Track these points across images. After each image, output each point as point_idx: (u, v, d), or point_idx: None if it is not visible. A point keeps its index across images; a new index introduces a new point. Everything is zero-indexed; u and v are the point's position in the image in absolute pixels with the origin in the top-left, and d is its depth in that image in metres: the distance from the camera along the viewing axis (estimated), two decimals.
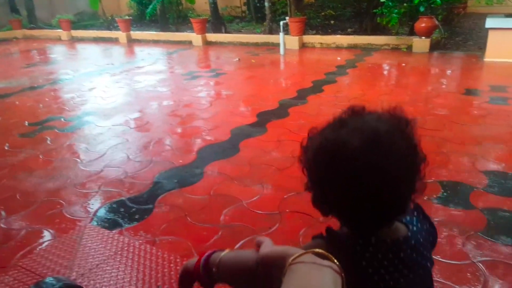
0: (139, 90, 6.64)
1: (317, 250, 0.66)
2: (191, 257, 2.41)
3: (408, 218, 0.92)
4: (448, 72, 7.23)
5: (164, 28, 13.20)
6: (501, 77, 6.39)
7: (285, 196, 3.01)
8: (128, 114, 5.29)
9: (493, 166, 3.38)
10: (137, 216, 2.87)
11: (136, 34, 13.08)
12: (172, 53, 10.46)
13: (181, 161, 3.73)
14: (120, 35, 13.00)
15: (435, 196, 2.94)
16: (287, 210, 2.84)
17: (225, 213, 2.84)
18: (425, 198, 2.90)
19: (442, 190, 3.01)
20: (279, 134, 4.28)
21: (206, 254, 0.90)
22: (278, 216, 2.77)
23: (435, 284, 2.06)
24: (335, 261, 0.65)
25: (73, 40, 14.10)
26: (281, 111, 5.10)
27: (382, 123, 0.76)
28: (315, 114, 4.88)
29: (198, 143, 4.18)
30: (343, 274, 0.64)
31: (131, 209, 2.96)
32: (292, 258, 0.66)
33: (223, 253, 0.88)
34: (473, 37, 10.02)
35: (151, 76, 7.66)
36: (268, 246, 0.76)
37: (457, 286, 2.10)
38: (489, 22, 7.38)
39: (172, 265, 2.37)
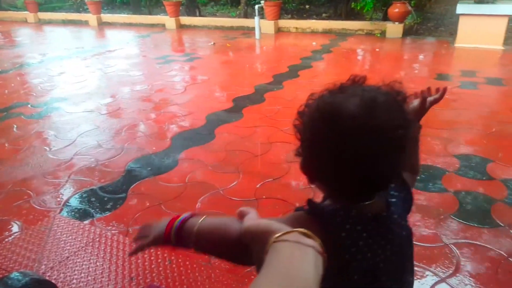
0: (110, 75, 6.44)
1: (301, 230, 0.65)
2: (166, 247, 2.35)
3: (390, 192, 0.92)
4: (421, 57, 7.32)
5: (136, 10, 12.83)
6: (471, 62, 6.52)
7: (261, 183, 2.98)
8: (99, 100, 5.12)
9: (464, 150, 3.45)
10: (109, 206, 2.79)
11: (107, 17, 12.66)
12: (145, 36, 10.19)
13: (154, 148, 3.64)
14: (90, 17, 12.55)
15: None
16: (264, 197, 2.81)
17: (201, 200, 2.79)
18: None
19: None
20: (255, 120, 4.23)
21: (181, 218, 0.86)
22: (254, 202, 2.75)
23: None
24: (318, 240, 0.65)
25: (40, 23, 13.53)
26: (257, 96, 5.04)
27: (381, 93, 0.77)
28: (291, 99, 4.85)
29: (172, 129, 4.09)
30: (325, 254, 0.64)
31: (103, 199, 2.88)
32: (276, 235, 0.65)
33: (200, 220, 0.84)
34: (445, 23, 10.17)
35: (123, 60, 7.44)
36: (253, 219, 0.75)
37: (431, 268, 2.13)
38: (460, 8, 7.48)
39: (146, 255, 2.31)
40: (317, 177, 0.82)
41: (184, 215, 0.87)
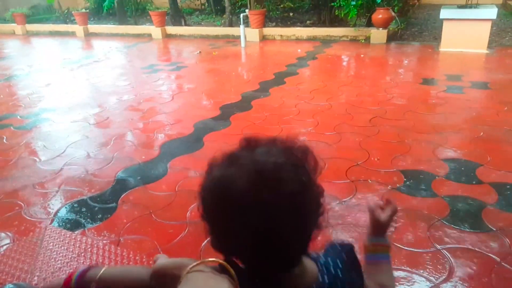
0: (98, 85, 6.42)
1: (217, 260, 0.66)
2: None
3: (330, 260, 0.86)
4: (405, 62, 7.43)
5: (122, 21, 12.81)
6: (456, 67, 6.64)
7: None
8: (87, 110, 5.10)
9: (453, 154, 3.49)
10: (99, 216, 2.78)
11: (94, 27, 12.63)
12: (131, 46, 10.18)
13: (143, 157, 3.64)
14: (77, 28, 12.51)
15: (398, 185, 3.01)
16: None
17: (192, 209, 2.79)
18: (388, 188, 2.97)
19: (405, 179, 3.08)
20: (243, 127, 4.26)
21: (79, 271, 0.86)
22: None
23: (401, 272, 2.12)
24: (233, 273, 0.64)
25: (28, 35, 13.43)
26: (244, 103, 5.08)
27: (271, 157, 0.71)
28: (278, 106, 4.89)
29: (160, 138, 4.10)
30: (238, 284, 0.63)
31: (94, 209, 2.86)
32: (190, 267, 0.65)
33: (102, 270, 0.85)
34: (429, 28, 10.36)
35: (110, 70, 7.43)
36: (164, 258, 0.76)
37: (423, 274, 2.14)
38: (444, 13, 7.62)
39: (138, 264, 2.31)
40: (227, 253, 0.76)
41: (82, 268, 0.87)
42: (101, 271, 0.84)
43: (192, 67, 7.57)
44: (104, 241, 2.51)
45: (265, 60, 8.31)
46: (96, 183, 3.21)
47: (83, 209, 2.87)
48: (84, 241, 2.51)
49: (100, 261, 2.34)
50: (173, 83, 6.46)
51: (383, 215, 1.00)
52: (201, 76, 6.99)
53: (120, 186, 3.15)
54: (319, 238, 0.77)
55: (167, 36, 11.35)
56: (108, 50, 9.74)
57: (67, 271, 2.25)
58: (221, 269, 0.71)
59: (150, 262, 2.31)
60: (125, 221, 2.71)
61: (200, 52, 8.87)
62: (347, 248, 0.91)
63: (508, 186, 2.93)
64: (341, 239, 1.01)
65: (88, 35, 12.43)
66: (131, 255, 2.38)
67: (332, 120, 4.33)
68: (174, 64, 7.81)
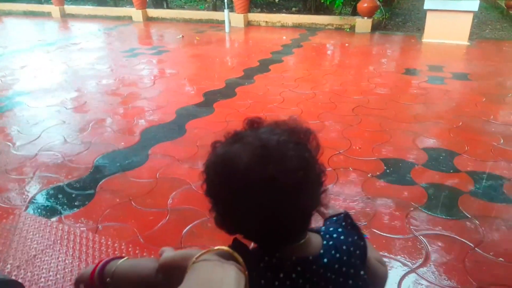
0: (75, 68, 6.24)
1: (222, 247, 0.66)
2: (137, 244, 2.31)
3: (330, 228, 0.88)
4: (389, 52, 7.46)
5: (102, 2, 12.46)
6: (438, 57, 6.70)
7: None
8: (64, 94, 4.95)
9: (432, 143, 3.54)
10: (77, 203, 2.71)
11: (71, 8, 12.24)
12: (111, 29, 9.92)
13: (123, 143, 3.56)
14: (53, 9, 12.09)
15: (378, 173, 3.03)
16: None
17: (173, 196, 2.75)
18: (368, 176, 2.98)
19: (385, 167, 3.11)
20: (226, 115, 4.20)
21: (102, 262, 0.87)
22: None
23: None
24: (240, 259, 0.65)
25: (0, 14, 12.92)
26: (228, 90, 5.01)
27: (275, 135, 0.73)
28: (263, 94, 4.85)
29: (141, 124, 4.01)
30: (247, 273, 0.64)
31: (71, 195, 2.79)
32: (196, 256, 0.65)
33: (120, 261, 0.85)
34: (412, 18, 10.41)
35: (89, 53, 7.22)
36: (170, 251, 0.76)
37: (401, 259, 2.18)
38: (427, 4, 7.67)
39: (117, 252, 2.26)
40: (231, 230, 0.78)
41: (106, 259, 0.88)
42: (118, 262, 0.84)
43: (175, 51, 7.43)
44: (82, 228, 2.45)
45: (250, 47, 8.22)
46: (74, 169, 3.12)
47: (60, 196, 2.79)
48: (60, 228, 2.45)
49: (77, 248, 2.29)
50: (154, 68, 6.32)
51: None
52: (183, 61, 6.86)
53: (98, 173, 3.07)
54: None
55: (148, 19, 11.10)
56: (86, 32, 9.46)
57: (43, 259, 2.19)
58: (228, 256, 0.71)
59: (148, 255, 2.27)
60: (103, 208, 2.65)
61: (182, 36, 8.71)
62: (343, 215, 0.93)
63: (484, 175, 3.00)
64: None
65: (65, 16, 12.05)
66: (109, 243, 2.33)
67: (316, 109, 4.31)
68: (155, 48, 7.65)
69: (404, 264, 2.15)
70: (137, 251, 2.26)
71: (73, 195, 2.79)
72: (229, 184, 0.71)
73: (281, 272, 0.76)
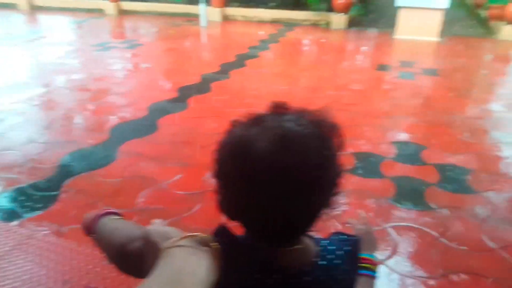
0: (43, 63, 6.02)
1: (198, 234, 0.64)
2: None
3: (332, 246, 0.83)
4: (363, 48, 7.51)
5: None
6: (410, 54, 6.78)
7: (207, 175, 2.89)
8: (31, 90, 4.75)
9: (401, 137, 3.61)
10: (40, 205, 2.58)
11: (39, 0, 11.81)
12: (82, 22, 9.60)
13: (91, 141, 3.42)
14: (20, 1, 11.62)
15: (349, 167, 3.04)
16: (210, 189, 2.71)
17: (142, 195, 2.65)
18: None
19: (356, 161, 3.13)
20: (201, 110, 4.11)
21: (103, 212, 0.85)
22: (200, 195, 2.65)
23: None
24: (216, 246, 0.64)
25: None
26: (204, 85, 4.91)
27: (299, 125, 0.68)
28: (239, 89, 4.78)
29: (111, 120, 3.87)
30: (220, 261, 0.64)
31: (33, 197, 2.66)
32: (171, 240, 0.63)
33: (109, 219, 0.83)
34: (386, 15, 10.48)
35: (58, 47, 6.96)
36: (157, 225, 0.75)
37: None
38: (399, 1, 7.75)
39: (82, 256, 2.16)
40: (233, 217, 0.73)
41: (107, 211, 0.86)
42: (104, 221, 0.82)
43: (148, 45, 7.25)
44: (45, 232, 2.33)
45: (227, 41, 8.11)
46: (37, 169, 2.98)
47: (21, 198, 2.65)
48: (20, 232, 2.32)
49: (38, 253, 2.17)
50: (127, 62, 6.15)
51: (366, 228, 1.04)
52: (158, 55, 6.71)
53: (64, 172, 2.94)
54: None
55: (122, 12, 10.81)
56: (55, 25, 9.15)
57: (1, 266, 2.07)
58: (205, 243, 0.67)
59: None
60: (69, 210, 2.54)
61: (157, 30, 8.52)
62: (354, 240, 0.87)
63: (449, 167, 3.08)
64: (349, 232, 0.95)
65: (33, 8, 11.58)
66: (74, 246, 2.22)
67: (292, 104, 4.27)
68: (128, 42, 7.44)
69: None
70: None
71: (36, 197, 2.66)
72: (242, 167, 0.66)
73: (260, 273, 0.73)
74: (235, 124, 0.73)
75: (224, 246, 0.70)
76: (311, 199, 0.68)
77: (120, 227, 0.80)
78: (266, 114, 0.71)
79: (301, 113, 0.72)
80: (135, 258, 0.69)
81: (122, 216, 0.85)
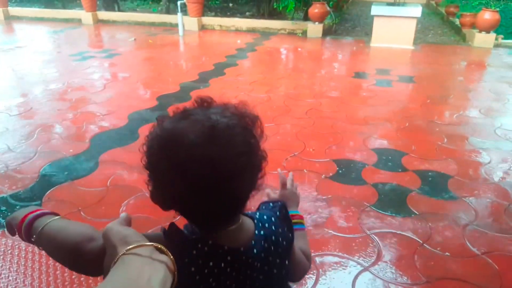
0: (21, 73, 5.93)
1: (155, 244, 0.65)
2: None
3: (264, 216, 0.90)
4: (340, 56, 7.67)
5: (49, 4, 11.95)
6: (385, 61, 6.97)
7: None
8: (8, 100, 4.69)
9: (381, 144, 3.67)
10: None
11: (16, 10, 11.63)
12: (59, 32, 9.51)
13: (71, 150, 3.42)
14: None
15: (331, 174, 3.10)
16: None
17: (125, 204, 2.67)
18: (322, 177, 3.04)
19: (338, 168, 3.19)
20: None
21: (33, 214, 0.83)
22: None
23: (334, 257, 2.19)
24: (171, 257, 0.64)
25: None
26: (183, 94, 4.95)
27: (224, 117, 0.73)
28: (218, 98, 4.79)
29: (91, 129, 3.87)
30: (176, 272, 0.64)
31: (15, 207, 2.64)
32: (127, 247, 0.63)
33: (50, 220, 0.81)
34: (361, 24, 10.77)
35: (35, 57, 6.89)
36: (117, 224, 0.71)
37: (354, 258, 2.24)
38: (374, 10, 7.98)
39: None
40: (166, 206, 0.76)
41: (40, 212, 0.84)
42: (48, 221, 0.80)
43: (126, 55, 7.24)
44: (26, 243, 2.31)
45: (205, 50, 8.16)
46: (18, 180, 2.96)
47: (3, 208, 2.63)
48: (3, 243, 2.31)
49: (22, 263, 2.17)
50: (105, 72, 6.14)
51: (291, 188, 1.17)
52: (136, 64, 6.71)
53: (45, 182, 2.93)
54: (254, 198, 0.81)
55: (99, 22, 10.77)
56: (32, 35, 9.02)
57: None
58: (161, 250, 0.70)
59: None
60: None
61: (134, 39, 8.52)
62: (279, 205, 0.94)
63: (430, 173, 3.15)
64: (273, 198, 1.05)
65: (9, 18, 11.43)
66: None
67: (271, 112, 4.36)
68: (106, 51, 7.42)
69: (358, 263, 2.20)
70: None
71: (18, 207, 2.63)
72: (171, 159, 0.69)
73: (212, 260, 0.77)
74: (163, 117, 0.76)
75: (175, 245, 0.72)
76: (240, 184, 0.73)
77: (67, 227, 0.80)
78: (193, 108, 0.76)
79: (225, 106, 0.77)
80: (92, 257, 0.69)
81: (59, 215, 0.84)
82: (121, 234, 0.67)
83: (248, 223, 0.85)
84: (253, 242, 0.82)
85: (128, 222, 0.74)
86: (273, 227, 0.88)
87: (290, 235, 0.92)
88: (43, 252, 2.15)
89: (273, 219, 0.90)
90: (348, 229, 2.48)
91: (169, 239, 0.76)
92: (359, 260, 2.22)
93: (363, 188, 2.94)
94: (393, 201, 2.78)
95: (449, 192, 2.90)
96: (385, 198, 2.81)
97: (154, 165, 0.74)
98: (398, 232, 2.46)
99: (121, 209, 2.62)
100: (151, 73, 6.18)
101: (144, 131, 3.81)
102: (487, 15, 7.81)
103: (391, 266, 2.19)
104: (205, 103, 0.77)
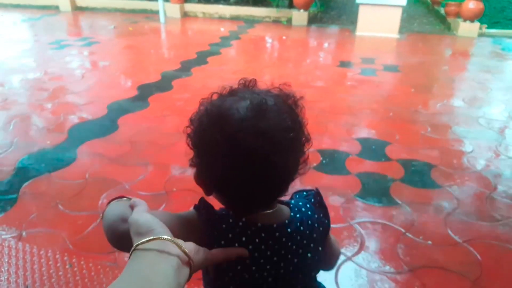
0: None
1: (167, 237, 0.64)
2: (65, 250, 2.17)
3: (300, 202, 0.90)
4: (325, 45, 7.64)
5: None
6: (371, 50, 6.95)
7: (171, 175, 2.87)
8: None
9: (365, 134, 3.66)
10: None
11: None
12: (36, 19, 9.20)
13: (49, 142, 3.31)
14: None
15: (315, 164, 3.08)
16: (174, 189, 2.71)
17: (104, 197, 2.60)
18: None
19: (321, 158, 3.17)
20: (162, 109, 4.07)
21: (115, 198, 0.86)
22: (164, 196, 2.63)
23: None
24: (184, 249, 0.64)
25: None
26: (164, 83, 4.85)
27: (271, 96, 0.75)
28: (201, 87, 4.74)
29: (69, 120, 3.75)
30: (191, 262, 0.64)
31: None
32: (140, 241, 0.63)
33: (113, 202, 0.84)
34: (346, 12, 10.72)
35: (11, 46, 6.66)
36: (138, 212, 0.71)
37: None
38: None
39: (43, 260, 2.10)
40: (211, 187, 0.78)
41: (120, 196, 0.87)
42: (110, 205, 0.83)
43: (106, 43, 7.06)
44: (3, 237, 2.25)
45: (187, 38, 8.03)
46: None
47: None
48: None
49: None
50: (84, 60, 5.97)
51: None
52: (116, 53, 6.54)
53: (21, 175, 2.83)
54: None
55: (77, 9, 10.47)
56: (7, 23, 8.73)
57: None
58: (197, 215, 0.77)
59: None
60: (28, 213, 2.45)
61: (114, 26, 8.31)
62: (313, 193, 0.94)
63: (413, 162, 3.16)
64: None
65: None
66: (35, 250, 2.16)
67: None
68: (85, 39, 7.21)
69: (342, 254, 2.19)
70: (65, 258, 2.11)
71: None
72: (223, 132, 0.69)
73: (245, 236, 0.79)
74: (210, 96, 0.78)
75: (205, 219, 0.77)
76: (288, 160, 0.73)
77: (114, 208, 0.82)
78: (238, 88, 0.78)
79: (270, 88, 0.79)
80: (127, 236, 0.69)
81: (130, 198, 0.85)
82: (137, 224, 0.67)
83: (284, 208, 0.86)
84: (286, 221, 0.83)
85: (146, 205, 0.74)
86: (309, 212, 0.88)
87: (326, 221, 0.93)
88: (20, 246, 2.08)
89: (308, 205, 0.90)
90: (331, 219, 2.46)
91: (199, 213, 0.80)
92: (342, 251, 2.21)
93: (346, 178, 2.93)
94: (376, 191, 2.78)
95: (432, 181, 2.92)
96: (368, 187, 2.82)
97: (202, 141, 0.74)
98: (381, 221, 2.47)
99: (100, 202, 2.55)
100: (131, 62, 6.04)
101: (124, 121, 3.72)
102: (471, 5, 7.85)
103: (374, 255, 2.20)
104: (250, 84, 0.79)
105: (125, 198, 0.85)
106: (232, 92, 0.76)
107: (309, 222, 0.87)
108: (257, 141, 0.68)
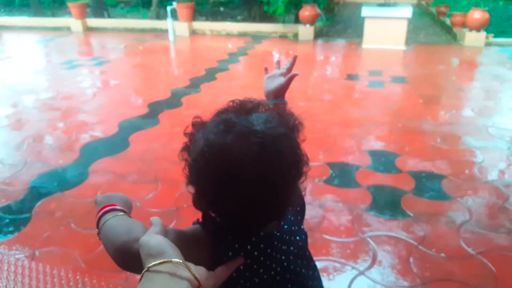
0: (10, 83, 5.86)
1: (177, 260, 0.64)
2: (78, 269, 2.19)
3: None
4: (332, 59, 7.68)
5: (38, 13, 11.86)
6: (377, 62, 6.97)
7: (181, 191, 2.89)
8: None
9: (375, 146, 3.65)
10: (11, 228, 2.52)
11: (4, 19, 11.53)
12: (48, 40, 9.44)
13: (61, 161, 3.37)
14: None
15: (324, 177, 3.08)
16: (185, 205, 2.72)
17: None
18: (316, 181, 3.02)
19: (331, 171, 3.17)
20: (172, 125, 4.11)
21: (107, 208, 0.87)
22: (175, 212, 2.65)
23: (328, 262, 2.17)
24: (194, 273, 0.64)
25: None
26: (174, 100, 4.91)
27: (269, 128, 0.71)
28: (210, 103, 4.79)
29: (81, 139, 3.82)
30: (201, 286, 0.64)
31: (4, 221, 2.59)
32: (151, 264, 0.64)
33: (112, 216, 0.84)
34: (352, 25, 10.79)
35: (25, 67, 6.82)
36: (149, 234, 0.71)
37: (349, 263, 2.21)
38: (365, 11, 7.99)
39: (55, 279, 2.12)
40: (209, 214, 0.80)
41: (113, 206, 0.88)
42: (108, 218, 0.83)
43: (116, 62, 7.19)
44: (17, 256, 2.28)
45: (196, 55, 8.14)
46: (7, 192, 2.90)
47: None
48: None
49: (12, 278, 2.12)
50: (95, 80, 6.09)
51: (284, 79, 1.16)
52: (126, 71, 6.66)
53: (34, 194, 2.88)
54: None
55: (88, 29, 10.70)
56: (21, 45, 8.95)
57: None
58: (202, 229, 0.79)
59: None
60: (41, 232, 2.48)
61: (125, 46, 8.47)
62: (300, 201, 0.95)
63: (423, 174, 3.14)
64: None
65: None
66: (48, 270, 2.18)
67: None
68: (96, 59, 7.36)
69: (353, 268, 2.18)
70: (77, 277, 2.13)
71: (7, 221, 2.59)
72: (219, 176, 0.69)
73: (249, 244, 0.79)
74: (203, 127, 0.76)
75: (210, 233, 0.79)
76: (288, 194, 0.75)
77: (120, 225, 0.82)
78: (234, 116, 0.73)
79: (267, 113, 0.75)
80: (139, 257, 0.69)
81: (125, 212, 0.88)
82: (148, 246, 0.67)
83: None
84: (278, 229, 0.84)
85: (161, 226, 0.74)
86: (292, 219, 0.90)
87: (304, 232, 0.94)
88: (33, 266, 2.10)
89: (291, 210, 0.91)
90: (342, 232, 2.46)
91: (205, 228, 0.81)
92: (354, 265, 2.20)
93: (357, 191, 2.92)
94: (387, 203, 2.76)
95: (444, 192, 2.89)
96: (379, 200, 2.80)
97: (199, 180, 0.74)
98: (393, 234, 2.44)
99: None
100: (141, 80, 6.14)
101: (135, 139, 3.77)
102: (477, 14, 7.85)
103: (386, 269, 2.17)
104: (246, 108, 0.75)
105: (119, 211, 0.86)
106: (228, 126, 0.71)
107: (293, 229, 0.89)
108: (256, 185, 0.69)
